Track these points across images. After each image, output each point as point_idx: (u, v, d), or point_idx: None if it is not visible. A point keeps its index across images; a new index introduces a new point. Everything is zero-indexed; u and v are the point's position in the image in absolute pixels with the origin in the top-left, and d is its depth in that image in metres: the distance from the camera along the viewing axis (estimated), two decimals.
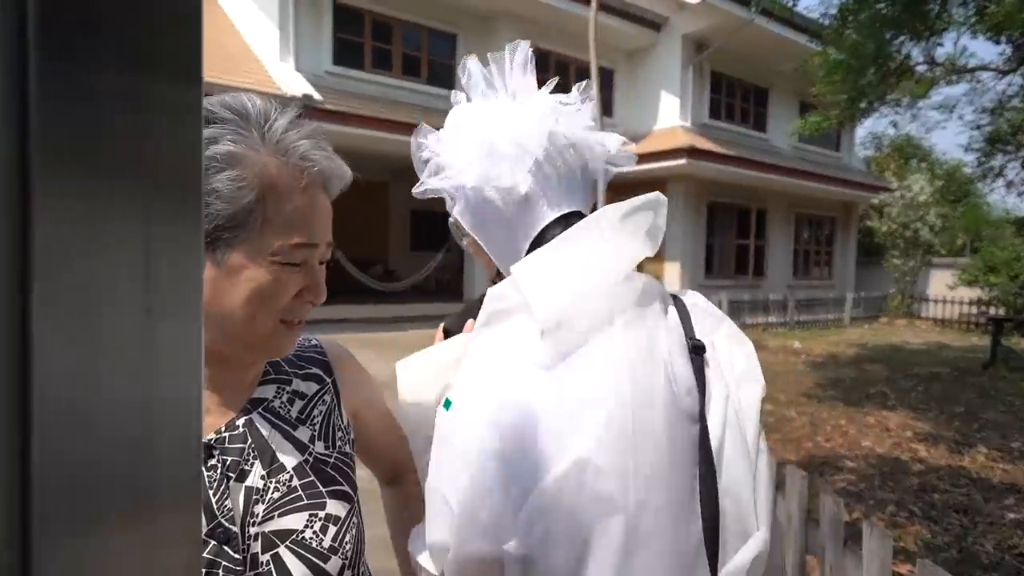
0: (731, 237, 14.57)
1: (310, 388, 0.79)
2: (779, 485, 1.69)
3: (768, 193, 14.88)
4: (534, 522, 0.59)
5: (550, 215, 0.74)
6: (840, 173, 15.50)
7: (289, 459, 0.71)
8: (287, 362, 0.79)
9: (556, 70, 13.28)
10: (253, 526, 0.67)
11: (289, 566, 0.67)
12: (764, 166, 13.40)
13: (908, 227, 16.44)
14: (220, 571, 0.64)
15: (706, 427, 0.64)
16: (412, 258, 14.90)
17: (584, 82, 0.82)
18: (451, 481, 0.63)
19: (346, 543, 0.72)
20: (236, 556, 0.65)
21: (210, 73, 9.03)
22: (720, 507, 0.62)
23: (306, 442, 0.74)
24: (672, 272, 13.33)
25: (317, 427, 0.77)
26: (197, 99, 0.24)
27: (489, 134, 0.74)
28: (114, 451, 0.22)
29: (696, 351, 0.68)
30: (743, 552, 0.63)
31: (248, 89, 9.03)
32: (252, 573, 0.66)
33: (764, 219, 15.20)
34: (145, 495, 0.23)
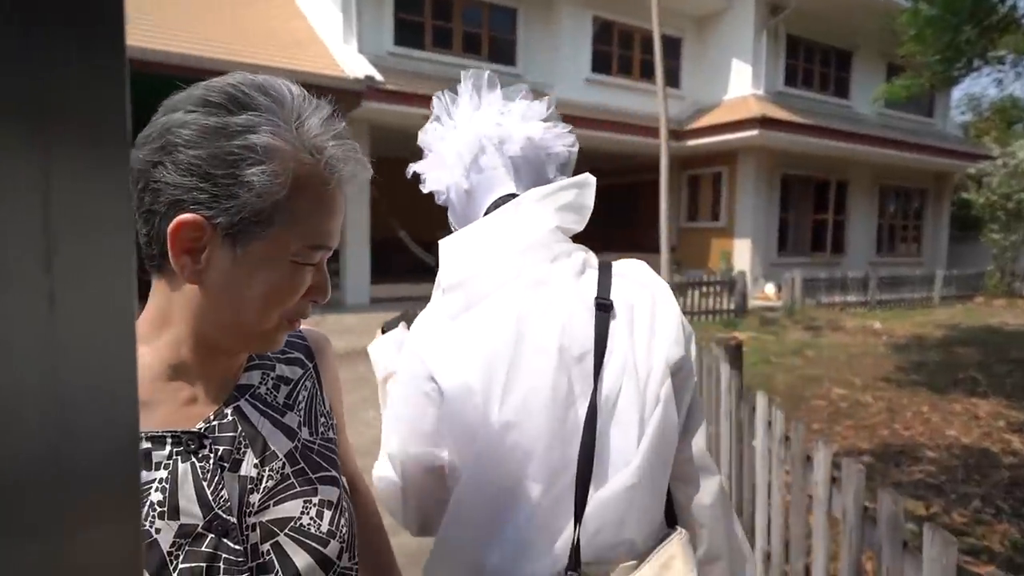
0: (807, 211, 13.81)
1: (294, 373, 0.78)
2: (833, 479, 1.58)
3: (850, 164, 13.95)
4: (450, 431, 0.78)
5: (487, 201, 0.92)
6: (932, 141, 14.33)
7: (280, 446, 0.71)
8: None
9: (620, 41, 12.89)
10: (250, 516, 0.66)
11: (290, 554, 0.67)
12: (844, 135, 12.56)
13: (1010, 198, 15.01)
14: (221, 564, 0.63)
15: (600, 372, 0.77)
16: None
17: (520, 86, 0.99)
18: (399, 401, 0.85)
19: (342, 527, 0.72)
20: (236, 547, 0.64)
21: (276, 58, 9.31)
22: (604, 439, 0.76)
23: (295, 428, 0.74)
24: (742, 249, 12.78)
25: (302, 413, 0.76)
26: (117, 53, 0.20)
27: (438, 149, 0.96)
28: (17, 459, 0.19)
29: (602, 308, 0.80)
30: (616, 479, 0.75)
31: (312, 72, 9.26)
32: (254, 563, 0.65)
33: (844, 192, 14.30)
34: (61, 507, 0.20)
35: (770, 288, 12.31)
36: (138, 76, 8.29)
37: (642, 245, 14.28)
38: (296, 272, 0.64)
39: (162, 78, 8.16)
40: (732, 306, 9.28)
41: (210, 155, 0.58)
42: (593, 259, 0.89)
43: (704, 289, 9.18)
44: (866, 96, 14.35)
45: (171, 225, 0.58)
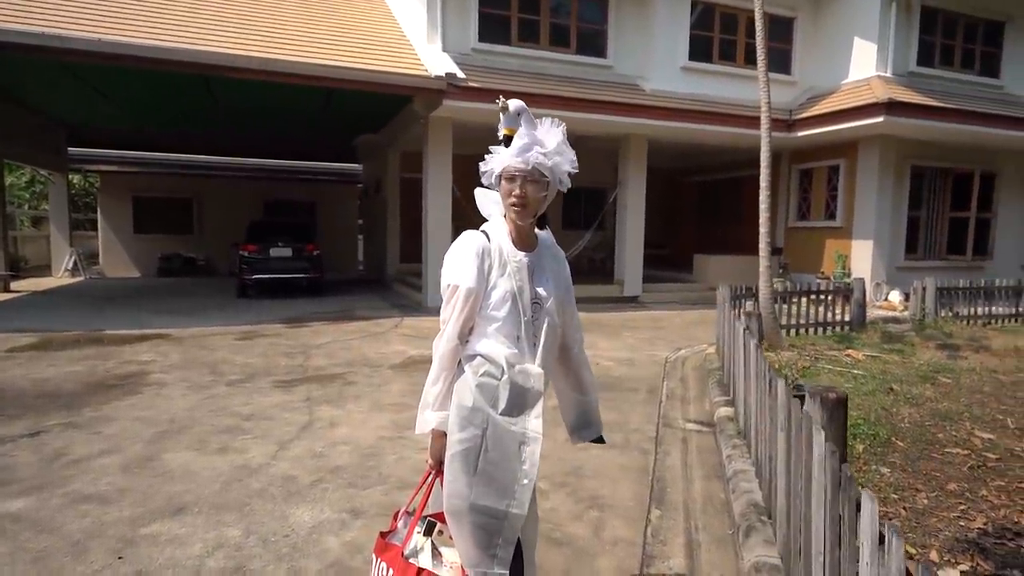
0: (943, 208, 12.07)
1: None
2: None
3: (999, 153, 12.06)
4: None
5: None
6: None
7: None
8: None
9: (722, 25, 11.88)
10: None
11: None
12: (993, 119, 10.80)
13: None
14: None
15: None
16: (563, 237, 14.46)
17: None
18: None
19: None
20: None
21: (368, 61, 9.28)
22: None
23: None
24: (862, 251, 11.36)
25: None
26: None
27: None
28: None
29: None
30: None
31: (393, 72, 9.15)
32: None
33: (991, 185, 12.38)
34: None
35: (895, 296, 10.84)
36: (222, 81, 8.29)
37: (745, 246, 13.13)
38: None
39: (248, 83, 8.19)
40: (848, 317, 8.15)
41: None
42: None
43: (814, 297, 8.12)
44: (1020, 74, 12.35)
45: None
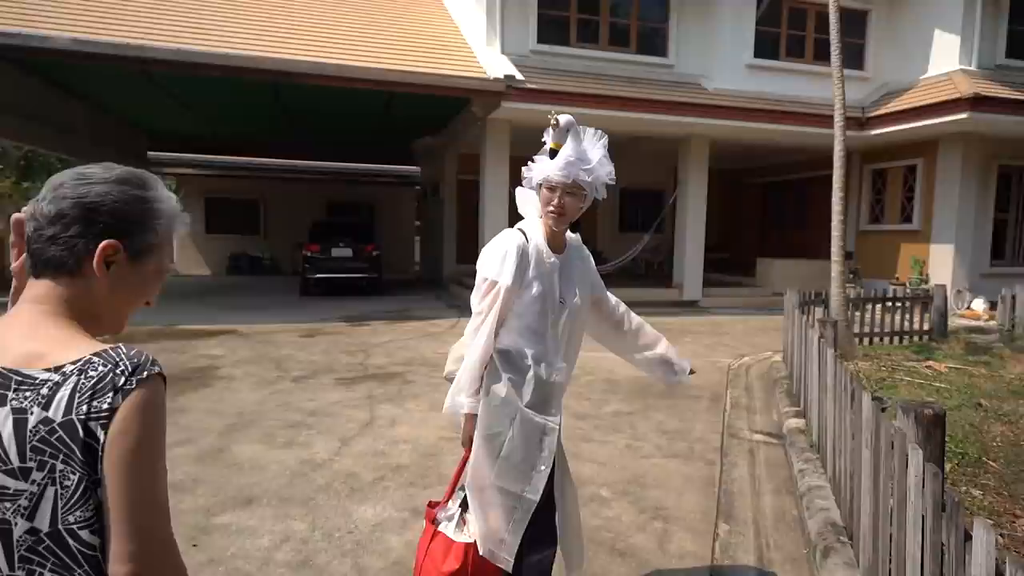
0: None
1: None
2: None
3: None
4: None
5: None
6: None
7: None
8: None
9: (790, 20, 11.45)
10: None
11: None
12: None
13: None
14: None
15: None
16: (621, 240, 14.29)
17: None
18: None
19: None
20: None
21: (428, 64, 9.40)
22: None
23: None
24: (941, 257, 10.69)
25: None
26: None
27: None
28: None
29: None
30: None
31: (452, 76, 9.23)
32: None
33: None
34: None
35: (979, 304, 10.14)
36: (291, 87, 8.47)
37: (812, 250, 12.60)
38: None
39: (315, 89, 8.37)
40: (927, 326, 7.67)
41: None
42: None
43: (889, 304, 7.69)
44: None
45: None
